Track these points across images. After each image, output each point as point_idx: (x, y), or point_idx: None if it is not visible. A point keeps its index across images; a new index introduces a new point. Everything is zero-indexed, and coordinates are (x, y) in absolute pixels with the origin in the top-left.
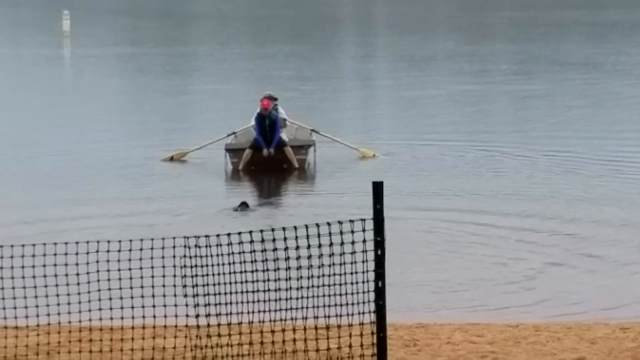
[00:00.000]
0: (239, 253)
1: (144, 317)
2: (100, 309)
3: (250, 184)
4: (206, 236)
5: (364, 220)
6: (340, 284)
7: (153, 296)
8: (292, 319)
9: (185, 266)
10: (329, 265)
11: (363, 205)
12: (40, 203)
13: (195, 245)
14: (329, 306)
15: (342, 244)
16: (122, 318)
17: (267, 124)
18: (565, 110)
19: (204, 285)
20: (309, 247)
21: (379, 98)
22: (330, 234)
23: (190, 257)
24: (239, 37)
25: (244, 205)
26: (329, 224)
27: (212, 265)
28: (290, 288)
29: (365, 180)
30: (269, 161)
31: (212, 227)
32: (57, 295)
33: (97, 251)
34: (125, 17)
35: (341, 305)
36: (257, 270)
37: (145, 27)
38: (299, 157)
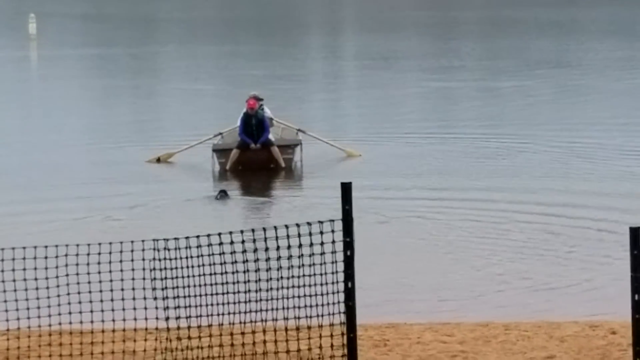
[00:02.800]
0: (209, 255)
1: (113, 320)
2: (70, 313)
3: (237, 183)
4: (175, 238)
5: (333, 221)
6: (310, 285)
7: (123, 299)
8: (262, 320)
9: (154, 269)
10: (299, 267)
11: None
12: (9, 205)
13: (165, 248)
14: (299, 307)
15: (311, 245)
16: (92, 322)
17: (254, 122)
18: (556, 105)
19: (173, 288)
20: (278, 248)
21: (355, 97)
22: (299, 235)
23: (160, 260)
24: (208, 39)
25: (223, 194)
26: (298, 225)
27: (182, 267)
28: (260, 289)
29: (348, 180)
30: (256, 161)
31: (189, 221)
32: (27, 300)
33: (66, 255)
34: (92, 22)
35: (311, 306)
36: (226, 272)
37: (112, 30)
38: (286, 157)
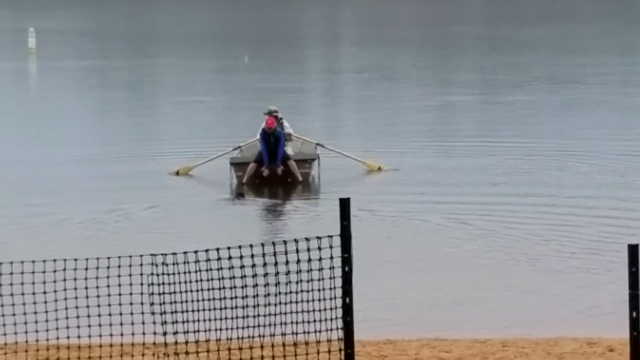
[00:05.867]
0: (207, 270)
1: (111, 335)
2: (67, 328)
3: (252, 196)
4: (173, 253)
5: (331, 236)
6: (308, 301)
7: (121, 314)
8: (260, 336)
9: (152, 283)
10: (297, 282)
11: (357, 219)
12: (8, 217)
13: (163, 263)
14: (297, 323)
15: (309, 260)
16: (89, 336)
17: (272, 140)
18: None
19: (171, 303)
20: (276, 264)
21: (364, 110)
22: (297, 250)
23: (158, 275)
24: (205, 53)
25: (240, 196)
26: (296, 240)
27: (180, 282)
28: (258, 305)
29: (367, 193)
30: (273, 175)
31: (194, 233)
32: (25, 314)
33: (64, 269)
34: (91, 37)
35: (309, 321)
36: (224, 287)
37: (112, 45)
38: (303, 171)
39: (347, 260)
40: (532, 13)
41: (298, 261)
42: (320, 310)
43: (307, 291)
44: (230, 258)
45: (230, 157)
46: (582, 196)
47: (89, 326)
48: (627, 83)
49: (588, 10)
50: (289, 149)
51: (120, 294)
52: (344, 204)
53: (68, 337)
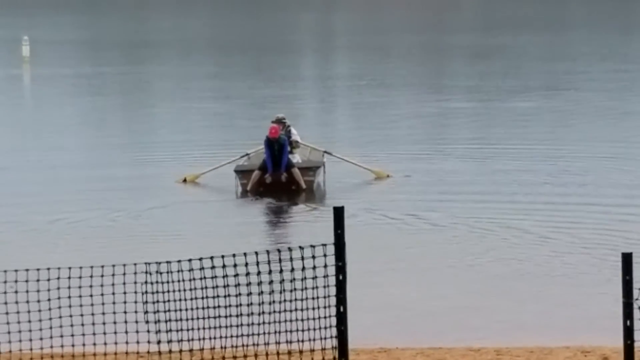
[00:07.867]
0: (201, 278)
1: (105, 343)
2: (61, 336)
3: (254, 204)
4: (167, 262)
5: (325, 245)
6: (302, 309)
7: (115, 322)
8: (254, 344)
9: (146, 292)
10: (291, 290)
11: (358, 226)
12: (13, 222)
13: (157, 271)
14: (291, 331)
15: (304, 269)
16: (83, 345)
17: (276, 148)
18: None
19: (165, 311)
20: (270, 272)
21: (364, 118)
22: (291, 259)
23: (152, 283)
24: (200, 61)
25: (258, 197)
26: (290, 249)
27: (174, 290)
28: (252, 313)
29: (370, 201)
30: (277, 183)
31: (192, 239)
32: (18, 323)
33: (58, 278)
34: (85, 46)
35: (303, 330)
36: (218, 296)
37: (106, 53)
38: (307, 179)
39: (341, 269)
40: (527, 20)
41: (292, 270)
42: (314, 319)
43: (302, 300)
44: (224, 266)
45: (235, 165)
46: (578, 203)
47: (83, 335)
48: (623, 89)
49: (581, 17)
50: (297, 157)
51: (114, 303)
52: (338, 213)
53: (62, 346)
